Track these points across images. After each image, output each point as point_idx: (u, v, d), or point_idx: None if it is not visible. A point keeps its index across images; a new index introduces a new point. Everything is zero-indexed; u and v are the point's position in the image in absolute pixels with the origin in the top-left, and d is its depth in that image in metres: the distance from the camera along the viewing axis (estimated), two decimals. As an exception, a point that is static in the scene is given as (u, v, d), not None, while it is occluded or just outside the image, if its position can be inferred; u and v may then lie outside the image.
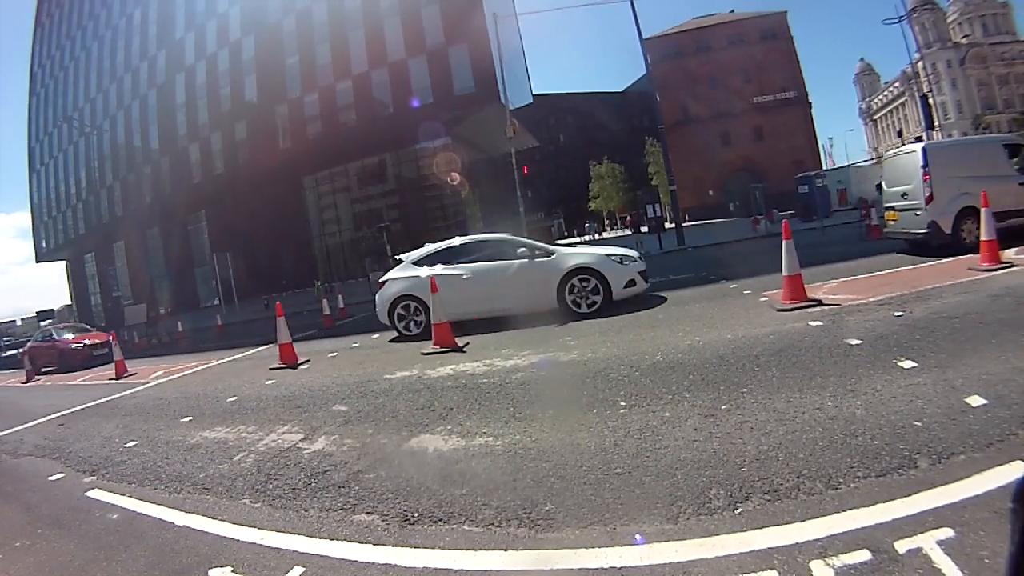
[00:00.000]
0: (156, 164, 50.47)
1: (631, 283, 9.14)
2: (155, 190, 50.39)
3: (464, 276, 9.50)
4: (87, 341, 18.61)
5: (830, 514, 2.53)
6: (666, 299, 9.56)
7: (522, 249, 9.45)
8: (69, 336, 19.38)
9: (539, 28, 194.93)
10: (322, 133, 41.20)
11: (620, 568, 2.44)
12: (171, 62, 49.17)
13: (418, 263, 9.97)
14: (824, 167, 50.06)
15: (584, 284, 9.03)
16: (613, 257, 9.21)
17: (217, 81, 46.44)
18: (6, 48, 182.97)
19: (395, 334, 10.16)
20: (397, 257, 10.63)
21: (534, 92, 53.20)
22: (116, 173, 54.16)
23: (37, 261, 66.34)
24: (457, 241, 10.44)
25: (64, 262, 65.05)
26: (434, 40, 37.81)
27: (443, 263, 9.78)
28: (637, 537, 2.65)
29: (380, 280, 10.36)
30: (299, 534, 3.29)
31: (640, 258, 9.57)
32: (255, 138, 43.67)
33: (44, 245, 64.33)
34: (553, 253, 9.40)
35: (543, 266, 9.21)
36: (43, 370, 18.25)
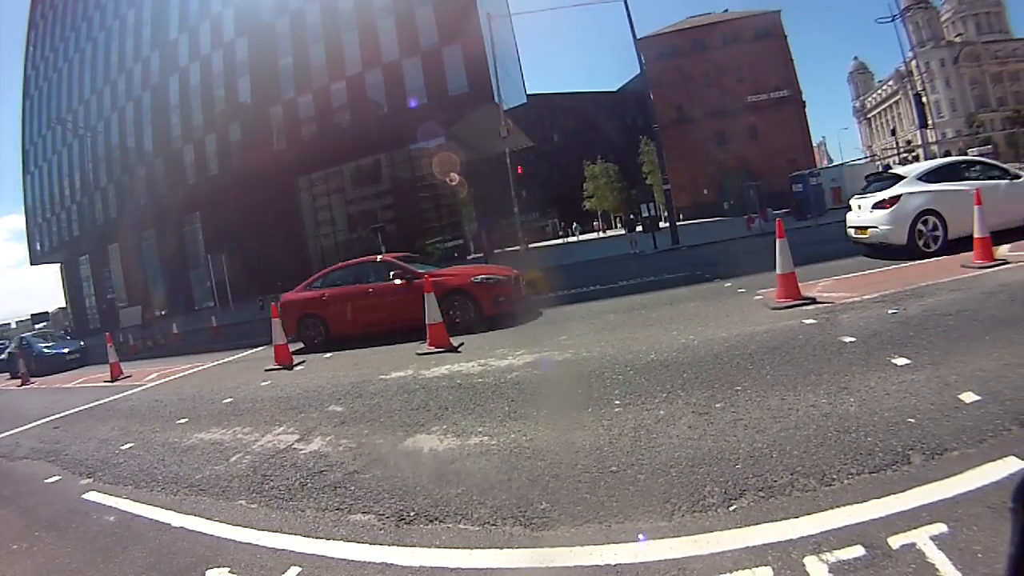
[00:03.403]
0: (151, 165, 50.21)
1: None
2: (150, 192, 50.09)
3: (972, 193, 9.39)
4: (484, 276, 10.03)
5: (824, 510, 2.55)
6: (660, 298, 9.58)
7: (1013, 170, 9.94)
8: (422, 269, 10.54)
9: (533, 28, 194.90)
10: (317, 134, 41.05)
11: (615, 565, 2.45)
12: (165, 63, 48.92)
13: (923, 178, 9.85)
14: (825, 163, 50.01)
15: None
16: None
17: (211, 82, 46.20)
18: (0, 50, 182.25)
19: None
20: (893, 172, 10.71)
21: (528, 92, 53.13)
22: (110, 175, 53.85)
23: (32, 264, 65.91)
24: (953, 159, 10.87)
25: (59, 264, 64.74)
26: (428, 40, 37.69)
27: (946, 180, 9.74)
28: (635, 535, 2.67)
29: (890, 196, 9.87)
30: (296, 534, 3.29)
31: None
32: (249, 139, 43.45)
33: (39, 247, 63.91)
34: (1021, 175, 9.82)
35: (1021, 186, 9.63)
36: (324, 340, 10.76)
